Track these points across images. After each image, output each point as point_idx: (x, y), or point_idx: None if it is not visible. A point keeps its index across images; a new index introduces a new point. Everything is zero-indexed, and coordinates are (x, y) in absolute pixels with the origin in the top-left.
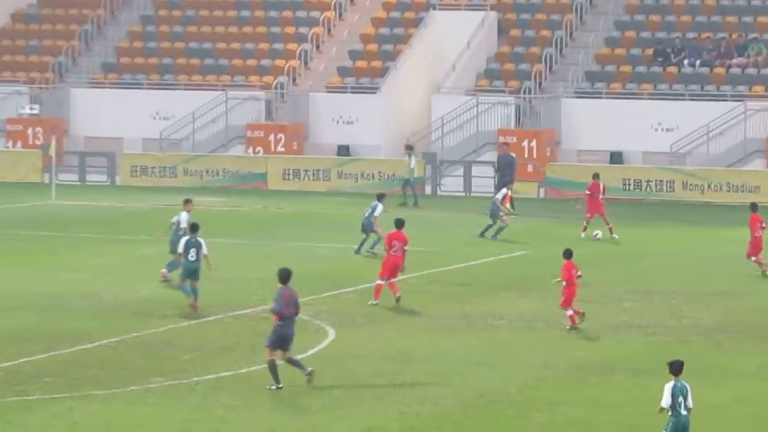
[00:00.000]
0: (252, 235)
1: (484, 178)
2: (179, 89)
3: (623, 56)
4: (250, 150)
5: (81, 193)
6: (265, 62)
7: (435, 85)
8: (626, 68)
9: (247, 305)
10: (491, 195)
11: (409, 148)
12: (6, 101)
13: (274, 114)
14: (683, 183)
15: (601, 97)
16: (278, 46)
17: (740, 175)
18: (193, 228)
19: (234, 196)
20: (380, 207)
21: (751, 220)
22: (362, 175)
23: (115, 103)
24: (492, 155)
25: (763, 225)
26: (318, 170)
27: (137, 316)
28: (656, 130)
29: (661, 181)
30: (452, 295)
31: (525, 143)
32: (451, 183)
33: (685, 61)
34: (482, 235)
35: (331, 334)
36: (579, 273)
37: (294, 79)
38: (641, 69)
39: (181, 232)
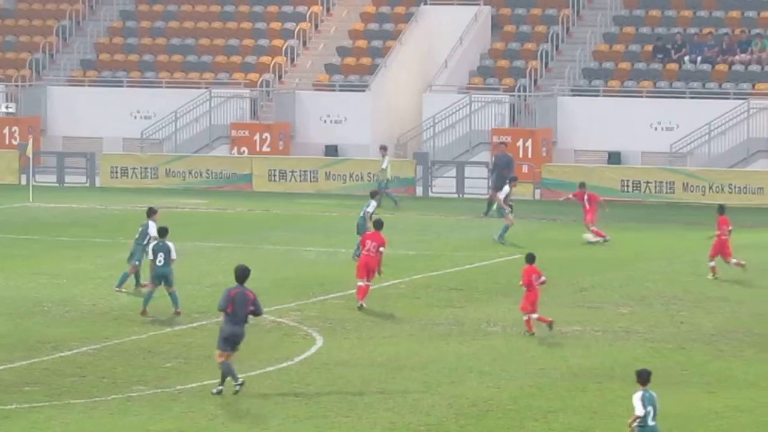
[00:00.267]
0: (237, 238)
1: (477, 179)
2: (161, 87)
3: (622, 53)
4: (235, 150)
5: (59, 195)
6: (250, 59)
7: (426, 82)
8: (625, 65)
9: None
10: (485, 197)
11: (384, 149)
12: None
13: (260, 113)
14: (684, 184)
15: (598, 95)
16: (263, 42)
17: (743, 176)
18: (162, 232)
19: (218, 198)
20: (373, 203)
21: (719, 222)
22: (351, 176)
23: (94, 101)
24: (485, 155)
25: (731, 228)
26: (305, 171)
27: (117, 322)
28: (656, 129)
29: (661, 182)
30: (444, 301)
31: (520, 143)
32: (444, 184)
33: (686, 58)
34: (488, 218)
35: (320, 340)
36: (542, 279)
37: (280, 77)
38: (640, 66)
39: (145, 242)
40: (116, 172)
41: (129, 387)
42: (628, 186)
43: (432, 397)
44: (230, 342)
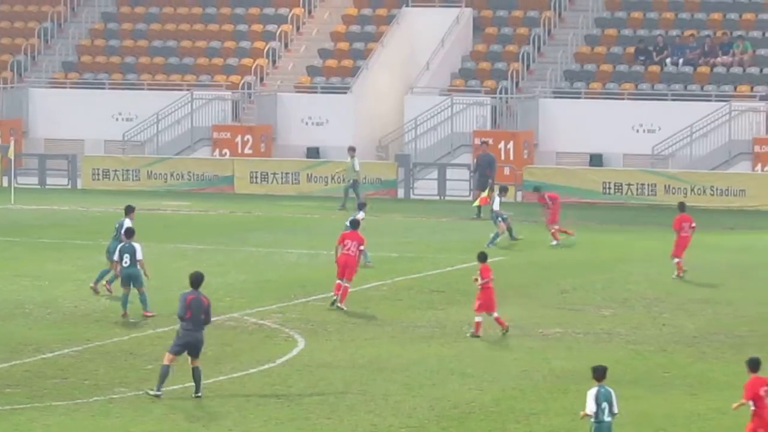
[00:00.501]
0: (218, 240)
1: (459, 181)
2: (142, 89)
3: (603, 55)
4: (217, 152)
5: (41, 197)
6: (232, 61)
7: (408, 84)
8: (606, 67)
9: (213, 313)
10: (467, 199)
11: (352, 150)
12: None
13: (241, 115)
14: (665, 186)
15: (580, 98)
16: (245, 44)
17: (725, 178)
18: (128, 233)
19: (200, 200)
20: (361, 214)
21: (678, 219)
22: (333, 178)
23: (75, 103)
24: (467, 157)
25: (693, 225)
26: (287, 173)
27: (99, 324)
28: (637, 131)
29: (643, 184)
30: (426, 303)
31: (501, 145)
32: (425, 186)
33: (668, 60)
34: (513, 237)
35: (301, 342)
36: (486, 279)
37: (261, 79)
38: (622, 68)
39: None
40: (98, 174)
41: (111, 389)
42: (609, 188)
43: (414, 399)
44: (188, 348)
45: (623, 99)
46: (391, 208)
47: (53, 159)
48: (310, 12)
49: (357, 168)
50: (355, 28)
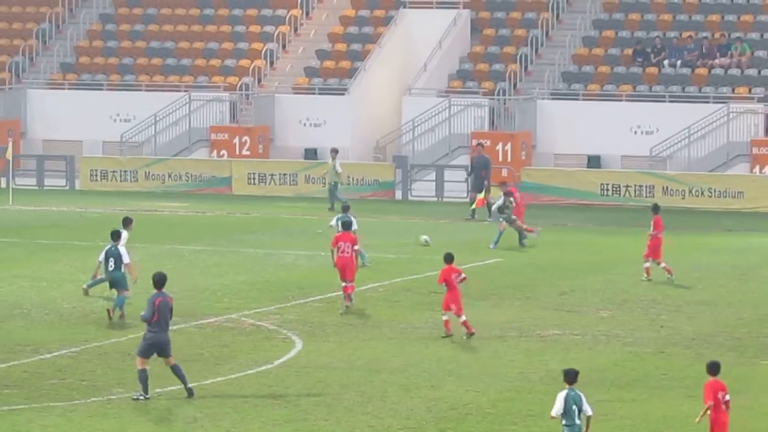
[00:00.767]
0: (216, 241)
1: (456, 183)
2: (140, 90)
3: (601, 56)
4: (214, 153)
5: (39, 198)
6: (230, 62)
7: (406, 86)
8: (604, 69)
9: (211, 314)
10: (464, 200)
11: (334, 151)
12: None
13: (239, 116)
14: (663, 188)
15: (578, 99)
16: (243, 45)
17: (723, 180)
18: (114, 236)
19: (197, 201)
20: (353, 221)
21: (654, 221)
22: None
23: (73, 104)
24: (465, 159)
25: (664, 226)
26: (284, 174)
27: (97, 325)
28: (635, 133)
29: (641, 186)
30: (423, 304)
31: (499, 146)
32: (423, 188)
33: (666, 62)
34: (522, 243)
35: (299, 343)
36: (462, 276)
37: (259, 80)
38: (620, 69)
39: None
40: (96, 175)
41: (109, 389)
42: (607, 190)
43: (411, 401)
44: (155, 348)
45: (621, 100)
46: (388, 209)
47: (51, 160)
48: (307, 13)
49: (339, 170)
50: (352, 29)
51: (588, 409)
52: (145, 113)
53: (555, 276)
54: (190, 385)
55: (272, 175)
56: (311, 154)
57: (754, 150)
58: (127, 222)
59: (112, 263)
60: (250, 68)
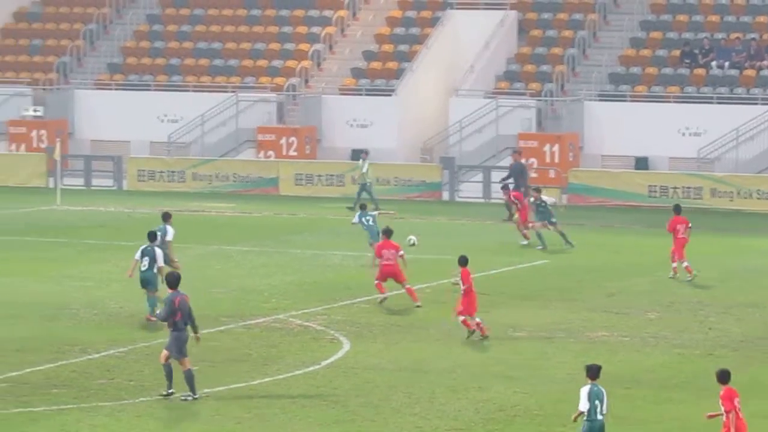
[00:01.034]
0: (263, 242)
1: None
2: (188, 91)
3: (649, 57)
4: (261, 154)
5: (86, 198)
6: (276, 63)
7: (453, 87)
8: (652, 70)
9: (258, 315)
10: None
11: (365, 153)
12: (9, 103)
13: (286, 117)
14: (711, 190)
15: (625, 100)
16: (289, 46)
17: None
18: (150, 237)
19: (244, 201)
20: (356, 218)
21: (672, 222)
22: (377, 180)
23: (121, 105)
24: (512, 160)
25: (689, 225)
26: (331, 175)
27: (144, 325)
28: (683, 134)
29: (689, 187)
30: None
31: (547, 148)
32: (470, 189)
33: (714, 63)
34: (568, 243)
35: (346, 344)
36: (467, 284)
37: (306, 81)
38: (667, 71)
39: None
40: (143, 176)
41: (157, 390)
42: (655, 191)
43: (459, 402)
44: (180, 347)
45: (669, 102)
46: (435, 210)
47: (99, 160)
48: (354, 14)
49: (364, 171)
50: (399, 30)
51: (605, 407)
52: (193, 114)
53: (602, 277)
54: (198, 395)
55: (319, 175)
56: (358, 155)
57: None
58: (166, 216)
59: (146, 263)
60: (297, 69)
